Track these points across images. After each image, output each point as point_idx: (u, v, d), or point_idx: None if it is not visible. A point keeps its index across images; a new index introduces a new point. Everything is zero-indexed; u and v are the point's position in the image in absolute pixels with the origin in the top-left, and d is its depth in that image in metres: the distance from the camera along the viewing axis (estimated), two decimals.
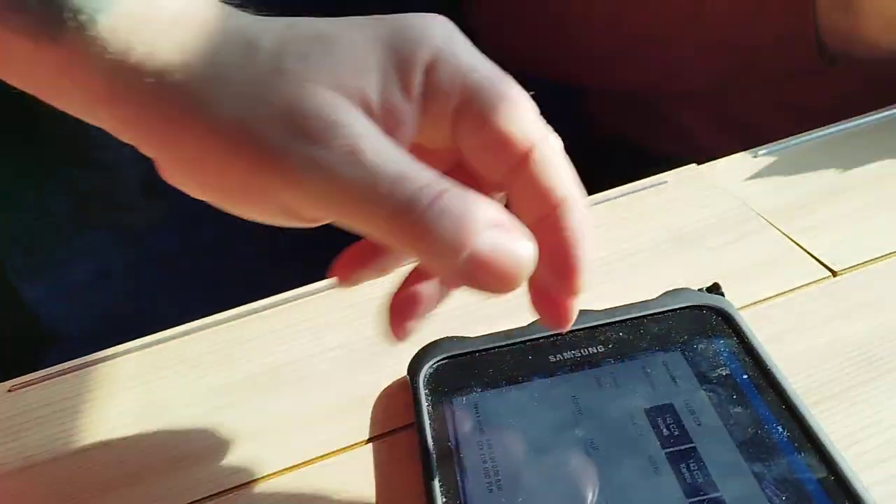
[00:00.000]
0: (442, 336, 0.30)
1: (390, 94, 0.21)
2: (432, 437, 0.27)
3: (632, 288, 0.34)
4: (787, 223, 0.36)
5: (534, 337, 0.30)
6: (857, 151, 0.40)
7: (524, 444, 0.26)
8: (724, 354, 0.28)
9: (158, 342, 0.35)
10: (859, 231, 0.35)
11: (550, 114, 0.23)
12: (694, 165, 0.41)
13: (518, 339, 0.30)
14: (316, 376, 0.32)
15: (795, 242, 0.35)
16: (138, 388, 0.33)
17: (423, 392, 0.28)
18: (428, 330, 0.33)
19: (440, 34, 0.21)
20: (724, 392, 0.27)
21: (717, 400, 0.26)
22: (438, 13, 0.22)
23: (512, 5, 0.61)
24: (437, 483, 0.25)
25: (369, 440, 0.29)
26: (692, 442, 0.25)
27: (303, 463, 0.28)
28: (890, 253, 0.33)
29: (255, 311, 0.36)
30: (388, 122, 0.21)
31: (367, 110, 0.20)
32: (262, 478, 0.28)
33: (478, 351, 0.30)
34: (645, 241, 0.37)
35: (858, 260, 0.33)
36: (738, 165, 0.41)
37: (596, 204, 0.39)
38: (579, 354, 0.29)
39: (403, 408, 0.29)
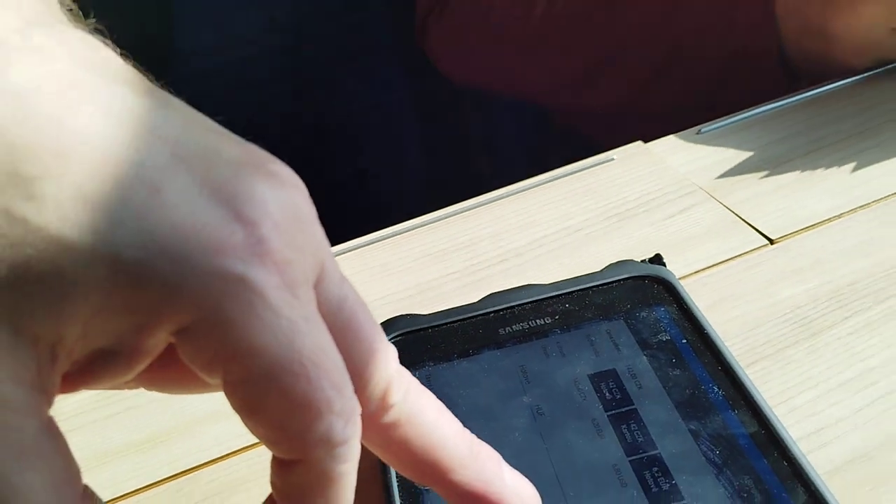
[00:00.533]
0: (397, 315, 0.31)
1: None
2: None
3: (579, 262, 0.35)
4: (727, 196, 0.37)
5: (484, 311, 0.31)
6: (793, 126, 0.41)
7: (475, 413, 0.27)
8: (665, 321, 0.29)
9: None
10: (795, 201, 0.36)
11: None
12: (640, 143, 0.42)
13: (469, 314, 0.31)
14: None
15: (735, 213, 0.36)
16: None
17: None
18: (386, 309, 0.34)
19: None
20: (664, 356, 0.28)
21: (657, 364, 0.27)
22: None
23: (470, 29, 0.61)
24: None
25: None
26: (633, 404, 0.26)
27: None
28: (823, 220, 0.35)
29: None
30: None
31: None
32: (224, 456, 0.29)
33: (430, 327, 0.30)
34: (592, 216, 0.38)
35: (794, 228, 0.35)
36: (682, 142, 0.42)
37: (545, 182, 0.40)
38: (527, 326, 0.30)
39: None
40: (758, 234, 0.35)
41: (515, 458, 0.25)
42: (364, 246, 0.39)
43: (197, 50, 0.85)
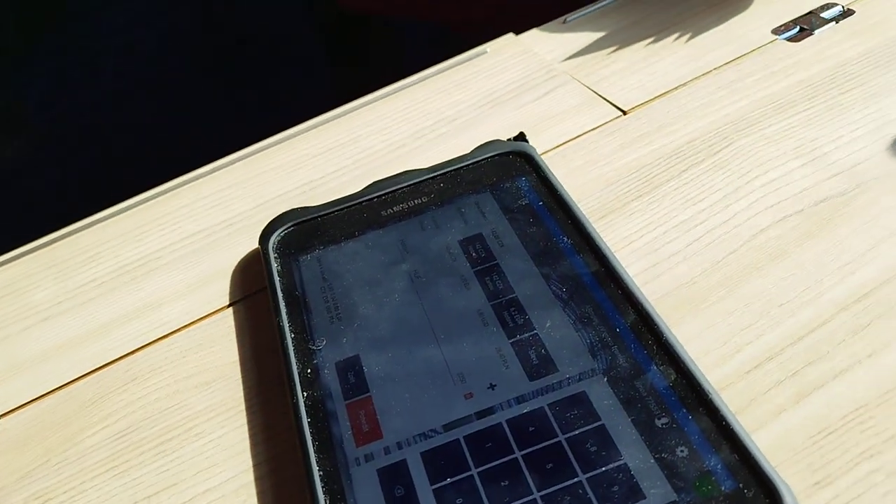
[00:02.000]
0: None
1: None
2: (282, 290, 0.31)
3: (455, 147, 0.38)
4: (587, 76, 0.41)
5: (368, 197, 0.34)
6: (647, 8, 0.44)
7: (360, 283, 0.30)
8: (525, 189, 0.33)
9: (26, 253, 0.37)
10: (647, 74, 0.40)
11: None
12: (511, 35, 0.45)
13: (353, 202, 0.34)
14: (179, 260, 0.35)
15: (594, 91, 0.40)
16: (11, 295, 0.35)
17: (272, 256, 0.32)
18: (282, 206, 0.36)
19: None
20: (523, 218, 0.31)
21: (517, 225, 0.31)
22: None
23: None
24: (286, 322, 0.29)
25: (230, 304, 0.33)
26: (495, 259, 0.30)
27: (173, 331, 0.32)
28: (670, 90, 0.38)
29: (111, 216, 0.39)
30: None
31: None
32: (139, 348, 0.32)
33: (320, 216, 0.34)
34: (466, 106, 0.41)
35: (645, 98, 0.38)
36: (549, 32, 0.45)
37: (424, 79, 0.43)
38: (406, 206, 0.33)
39: (257, 275, 0.33)
40: (613, 106, 0.38)
41: (395, 314, 0.29)
42: (260, 151, 0.41)
43: None
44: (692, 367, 0.24)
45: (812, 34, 0.40)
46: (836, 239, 0.29)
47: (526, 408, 0.25)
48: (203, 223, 0.37)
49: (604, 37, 0.43)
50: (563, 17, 0.46)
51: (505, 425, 0.24)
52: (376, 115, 0.42)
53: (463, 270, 0.30)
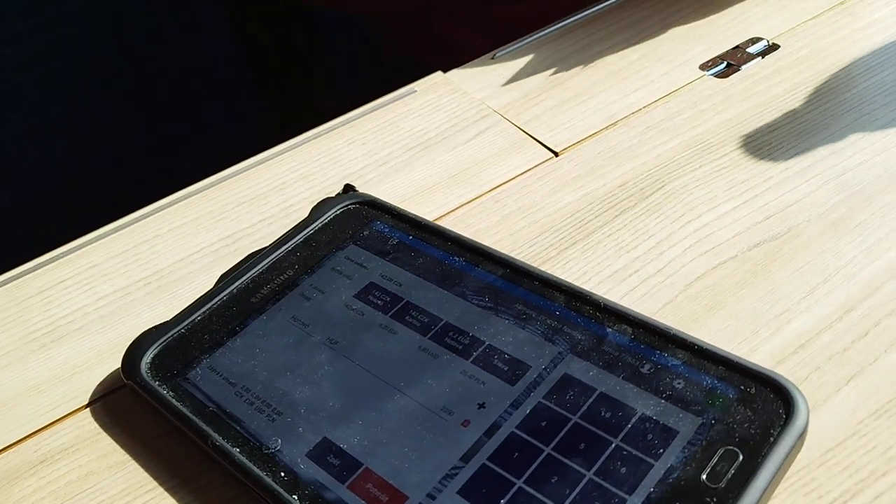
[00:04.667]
0: (137, 334, 0.30)
1: None
2: (192, 414, 0.27)
3: (386, 192, 0.37)
4: (518, 115, 0.40)
5: (227, 293, 0.31)
6: (576, 43, 0.44)
7: (277, 371, 0.28)
8: (386, 230, 0.32)
9: None
10: (578, 113, 0.39)
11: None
12: (440, 73, 0.44)
13: (215, 300, 0.31)
14: (92, 324, 0.33)
15: (525, 131, 0.39)
16: None
17: (155, 385, 0.28)
18: (202, 262, 0.35)
19: None
20: (403, 255, 0.31)
21: (401, 263, 0.31)
22: None
23: None
24: (222, 442, 0.26)
25: None
26: (404, 298, 0.29)
27: (85, 405, 0.30)
28: (601, 129, 0.38)
29: (18, 276, 0.36)
30: None
31: None
32: (49, 425, 0.29)
33: (183, 328, 0.30)
34: (396, 149, 0.39)
35: (577, 139, 0.38)
36: (479, 69, 0.44)
37: (352, 120, 0.42)
38: (275, 286, 0.31)
39: (140, 414, 0.29)
40: (544, 148, 0.38)
41: (338, 384, 0.27)
42: (181, 200, 0.39)
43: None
44: (640, 317, 0.26)
45: (739, 70, 0.40)
46: (770, 286, 0.29)
47: (526, 409, 0.25)
48: (118, 282, 0.35)
49: (533, 74, 0.43)
50: (492, 53, 0.45)
51: (518, 431, 0.24)
52: (304, 159, 0.40)
53: (379, 319, 0.29)
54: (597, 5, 0.47)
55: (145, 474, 0.27)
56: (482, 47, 0.46)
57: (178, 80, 1.19)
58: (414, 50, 0.70)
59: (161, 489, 0.27)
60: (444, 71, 0.44)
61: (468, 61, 0.45)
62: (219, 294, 0.31)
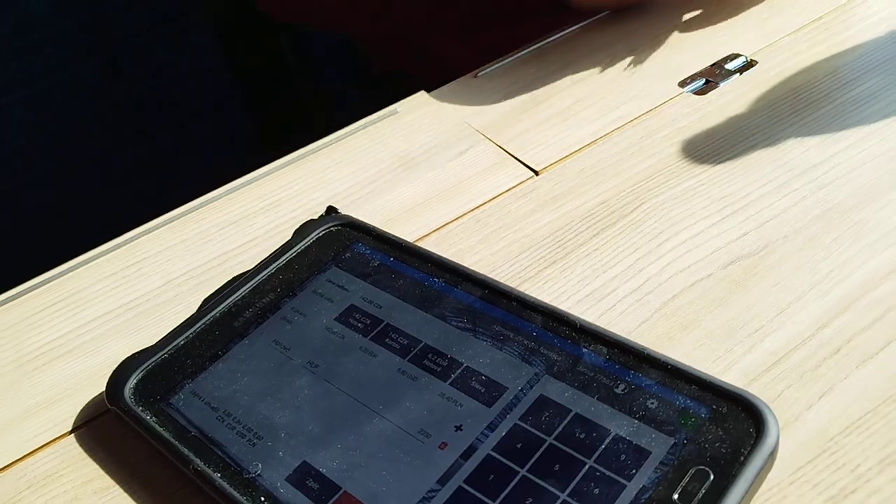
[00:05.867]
0: (123, 358, 0.31)
1: None
2: (175, 439, 0.27)
3: (371, 213, 0.37)
4: (499, 134, 0.40)
5: (209, 317, 0.31)
6: (557, 61, 0.45)
7: (258, 396, 0.28)
8: (368, 252, 0.33)
9: None
10: (559, 131, 0.40)
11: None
12: (423, 93, 0.44)
13: (196, 326, 0.31)
14: (79, 348, 0.34)
15: (506, 150, 0.39)
16: None
17: (138, 411, 0.28)
18: (188, 285, 0.35)
19: None
20: (384, 276, 0.31)
21: (382, 285, 0.31)
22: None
23: None
24: (203, 467, 0.26)
25: None
26: (384, 320, 0.30)
27: (70, 431, 0.30)
28: (582, 147, 0.38)
29: (5, 301, 0.37)
30: None
31: None
32: (34, 451, 0.30)
33: (166, 353, 0.30)
34: (381, 169, 0.40)
35: (557, 157, 0.38)
36: (461, 88, 0.44)
37: (336, 141, 0.42)
38: (257, 309, 0.32)
39: (125, 439, 0.30)
40: (525, 167, 0.38)
41: (317, 408, 0.27)
42: (169, 223, 0.39)
43: None
44: (616, 337, 0.27)
45: (717, 86, 0.40)
46: (745, 304, 0.29)
47: (502, 431, 0.25)
48: (105, 306, 0.35)
49: (514, 92, 0.43)
50: (475, 72, 0.45)
51: (494, 453, 0.25)
52: (290, 180, 0.40)
53: (359, 342, 0.29)
54: (580, 22, 0.47)
55: (129, 499, 0.27)
56: (471, 63, 0.46)
57: (167, 99, 1.19)
58: (402, 65, 0.70)
59: None
60: (433, 86, 0.45)
61: (455, 77, 0.45)
62: (201, 318, 0.31)
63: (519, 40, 0.51)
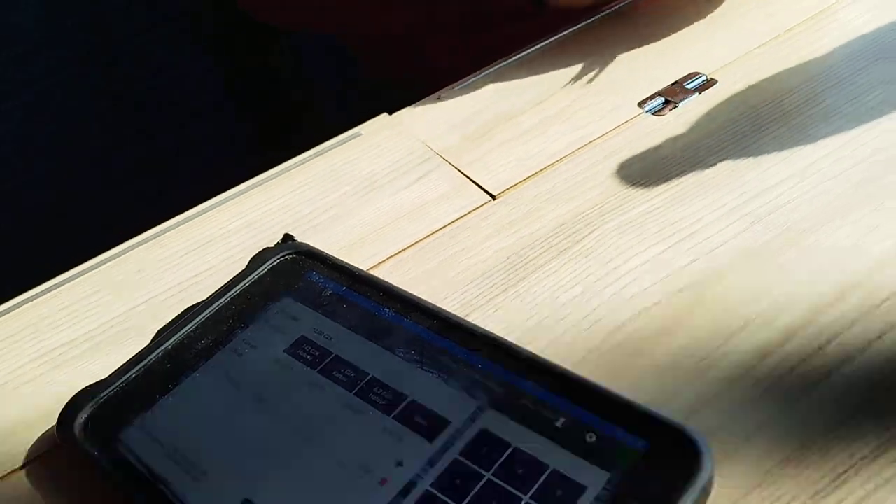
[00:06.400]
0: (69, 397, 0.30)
1: None
2: (122, 476, 0.28)
3: (330, 241, 0.37)
4: (459, 156, 0.40)
5: (161, 350, 0.32)
6: (521, 80, 0.45)
7: (205, 431, 0.29)
8: (321, 281, 0.33)
9: None
10: (517, 155, 0.40)
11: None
12: (385, 115, 0.45)
13: (148, 359, 0.31)
14: (33, 381, 0.34)
15: (465, 174, 0.39)
16: None
17: (88, 446, 0.29)
18: (145, 314, 0.35)
19: None
20: (335, 306, 0.31)
21: (333, 315, 0.31)
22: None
23: None
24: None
25: None
26: (332, 353, 0.30)
27: (25, 463, 0.30)
28: (539, 170, 0.38)
29: None
30: None
31: None
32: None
33: (117, 387, 0.30)
34: (342, 194, 0.40)
35: (514, 181, 0.38)
36: (424, 109, 0.45)
37: (297, 166, 0.42)
38: (209, 342, 0.32)
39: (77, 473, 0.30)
40: (482, 191, 0.38)
41: (261, 445, 0.28)
42: (130, 250, 0.39)
43: None
44: (559, 370, 0.26)
45: (677, 106, 0.41)
46: (692, 333, 0.29)
47: (442, 466, 0.25)
48: (66, 335, 0.36)
49: (476, 114, 0.43)
50: (438, 94, 0.45)
51: (433, 489, 0.25)
52: (250, 206, 0.41)
53: (307, 376, 0.29)
54: (553, 36, 0.47)
55: None
56: (464, 69, 0.46)
57: (167, 99, 1.20)
58: (393, 72, 0.71)
59: None
60: (426, 93, 0.45)
61: (450, 83, 0.46)
62: (153, 351, 0.31)
63: (502, 45, 0.52)
